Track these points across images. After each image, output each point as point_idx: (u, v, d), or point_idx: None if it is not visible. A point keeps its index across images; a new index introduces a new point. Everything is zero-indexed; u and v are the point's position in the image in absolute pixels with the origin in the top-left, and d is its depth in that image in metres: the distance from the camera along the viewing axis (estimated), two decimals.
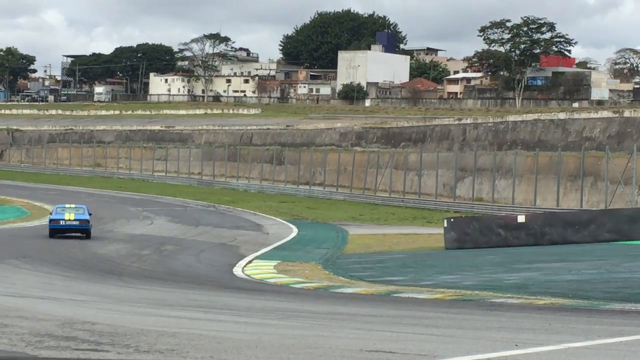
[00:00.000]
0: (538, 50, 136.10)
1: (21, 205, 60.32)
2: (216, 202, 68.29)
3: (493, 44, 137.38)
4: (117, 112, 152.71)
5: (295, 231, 45.36)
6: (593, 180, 58.33)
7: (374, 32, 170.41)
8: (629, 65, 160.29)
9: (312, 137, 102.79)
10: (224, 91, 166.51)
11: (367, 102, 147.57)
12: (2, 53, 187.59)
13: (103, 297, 19.28)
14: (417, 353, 10.88)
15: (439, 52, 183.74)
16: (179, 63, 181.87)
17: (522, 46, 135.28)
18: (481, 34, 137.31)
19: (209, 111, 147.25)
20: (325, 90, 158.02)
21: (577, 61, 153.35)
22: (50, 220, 38.10)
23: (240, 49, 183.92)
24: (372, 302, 19.10)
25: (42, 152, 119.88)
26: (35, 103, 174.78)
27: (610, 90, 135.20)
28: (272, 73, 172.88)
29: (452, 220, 37.31)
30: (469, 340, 12.05)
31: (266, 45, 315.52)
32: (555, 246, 34.34)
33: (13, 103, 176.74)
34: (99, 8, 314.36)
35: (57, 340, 11.20)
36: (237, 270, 28.45)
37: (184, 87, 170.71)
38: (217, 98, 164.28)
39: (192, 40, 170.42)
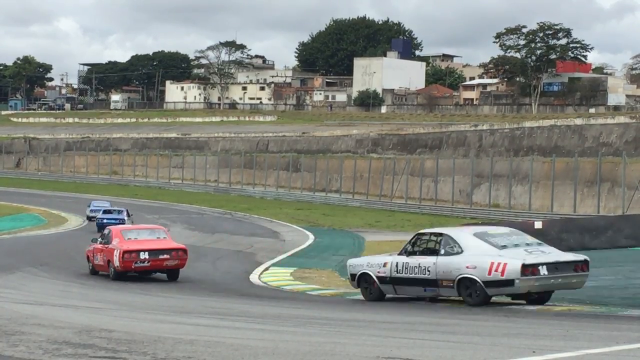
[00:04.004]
0: (554, 56, 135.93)
1: (38, 214, 60.59)
2: (232, 209, 68.36)
3: (509, 50, 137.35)
4: (133, 120, 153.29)
5: (311, 238, 45.34)
6: (610, 186, 58.13)
7: (390, 38, 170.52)
8: None
9: (328, 144, 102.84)
10: (240, 98, 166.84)
11: (383, 109, 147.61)
12: (19, 62, 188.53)
13: (120, 305, 19.32)
14: (434, 359, 10.87)
15: (454, 58, 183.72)
16: (195, 71, 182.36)
17: (538, 52, 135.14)
18: (497, 40, 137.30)
19: (225, 118, 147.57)
20: (341, 97, 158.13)
21: (593, 67, 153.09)
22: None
23: (256, 56, 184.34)
24: (388, 309, 19.07)
25: (59, 160, 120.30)
26: (52, 111, 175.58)
27: (627, 96, 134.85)
28: (288, 80, 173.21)
29: None
30: (486, 346, 12.02)
31: (281, 52, 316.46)
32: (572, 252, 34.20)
33: (30, 111, 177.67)
34: (112, 16, 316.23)
35: (74, 347, 11.23)
36: (254, 278, 28.45)
37: (200, 94, 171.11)
38: (233, 105, 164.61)
39: (208, 48, 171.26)
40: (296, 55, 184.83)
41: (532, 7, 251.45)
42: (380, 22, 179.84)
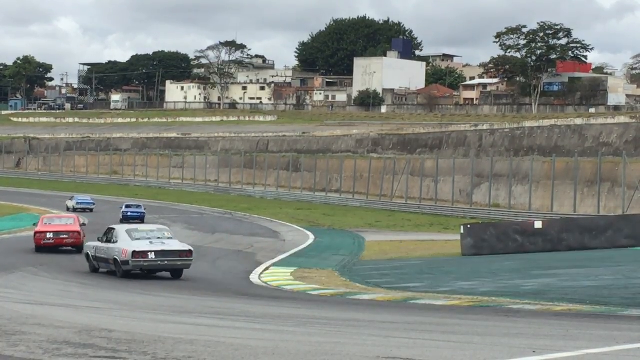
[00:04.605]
0: (554, 56, 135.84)
1: (38, 213, 60.45)
2: (233, 209, 68.37)
3: (509, 50, 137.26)
4: (133, 119, 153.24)
5: (311, 238, 45.36)
6: (610, 186, 58.14)
7: (390, 38, 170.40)
8: None
9: (328, 144, 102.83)
10: (240, 98, 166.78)
11: (383, 109, 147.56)
12: (19, 62, 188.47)
13: (120, 305, 19.32)
14: (435, 359, 10.87)
15: (454, 58, 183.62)
16: (195, 70, 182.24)
17: (539, 52, 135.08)
18: (497, 40, 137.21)
19: (225, 118, 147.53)
20: (341, 97, 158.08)
21: (593, 66, 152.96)
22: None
23: (256, 56, 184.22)
24: (389, 309, 19.08)
25: (59, 160, 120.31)
26: (52, 111, 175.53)
27: (627, 96, 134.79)
28: (288, 80, 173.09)
29: (468, 226, 37.24)
30: (486, 346, 12.02)
31: (281, 52, 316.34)
32: (572, 252, 34.23)
33: (30, 111, 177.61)
34: (112, 16, 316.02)
35: (74, 347, 11.24)
36: (254, 278, 28.46)
37: (200, 94, 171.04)
38: (233, 105, 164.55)
39: (208, 48, 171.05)
40: (296, 55, 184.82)
41: (532, 7, 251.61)
42: (381, 22, 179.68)
